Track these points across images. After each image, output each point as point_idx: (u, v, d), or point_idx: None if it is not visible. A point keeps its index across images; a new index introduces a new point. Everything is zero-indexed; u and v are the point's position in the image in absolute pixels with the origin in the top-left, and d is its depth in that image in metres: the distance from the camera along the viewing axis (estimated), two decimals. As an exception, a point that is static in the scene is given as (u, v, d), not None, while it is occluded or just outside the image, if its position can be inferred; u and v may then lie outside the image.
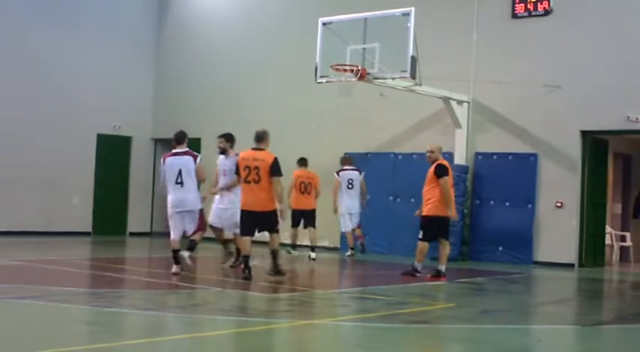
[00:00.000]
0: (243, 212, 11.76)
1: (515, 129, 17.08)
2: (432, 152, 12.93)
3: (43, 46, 20.49)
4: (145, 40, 22.98)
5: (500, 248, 16.85)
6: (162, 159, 12.32)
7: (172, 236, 12.07)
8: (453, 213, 12.73)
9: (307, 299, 10.20)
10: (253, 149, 11.91)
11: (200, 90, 21.97)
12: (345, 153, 17.60)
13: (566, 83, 16.39)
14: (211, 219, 12.99)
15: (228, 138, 13.30)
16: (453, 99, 16.91)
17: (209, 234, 12.95)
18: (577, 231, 16.43)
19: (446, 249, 12.91)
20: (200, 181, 12.11)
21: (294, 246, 16.86)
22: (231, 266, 13.06)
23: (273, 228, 11.78)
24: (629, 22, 16.10)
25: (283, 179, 11.97)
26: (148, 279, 12.26)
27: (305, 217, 16.36)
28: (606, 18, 16.30)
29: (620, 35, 16.10)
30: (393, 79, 15.09)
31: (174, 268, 11.93)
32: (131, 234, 22.26)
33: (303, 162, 16.68)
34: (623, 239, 18.78)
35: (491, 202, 17.06)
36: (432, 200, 12.63)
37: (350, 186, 16.65)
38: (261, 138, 11.97)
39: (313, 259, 15.75)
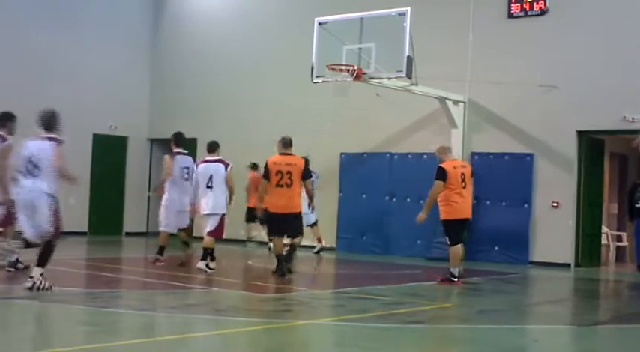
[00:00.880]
0: (273, 214, 12.27)
1: (512, 129, 17.09)
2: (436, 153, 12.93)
3: (40, 46, 20.42)
4: (141, 40, 22.95)
5: (497, 248, 16.86)
6: (195, 165, 13.35)
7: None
8: (421, 215, 12.28)
9: (303, 299, 10.20)
10: (282, 154, 12.41)
11: (196, 90, 21.95)
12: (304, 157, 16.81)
13: (563, 83, 16.40)
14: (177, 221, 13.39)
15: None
16: (449, 99, 16.91)
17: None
18: (573, 231, 16.44)
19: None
20: (229, 188, 12.91)
21: (249, 240, 17.84)
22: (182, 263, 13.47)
23: (298, 229, 12.57)
24: (625, 22, 16.12)
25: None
26: (144, 279, 12.25)
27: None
28: (602, 18, 16.32)
29: (616, 35, 16.12)
30: (389, 78, 15.09)
31: (200, 263, 12.72)
32: (127, 233, 22.23)
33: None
34: (619, 239, 18.81)
35: (488, 202, 17.05)
36: (439, 204, 12.44)
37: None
38: (289, 143, 12.65)
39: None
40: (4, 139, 10.51)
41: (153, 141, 22.84)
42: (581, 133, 16.55)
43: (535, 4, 16.81)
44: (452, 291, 11.71)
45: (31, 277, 9.36)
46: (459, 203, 12.30)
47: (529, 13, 16.92)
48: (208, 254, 12.72)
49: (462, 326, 8.57)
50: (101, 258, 15.67)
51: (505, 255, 16.74)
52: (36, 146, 9.51)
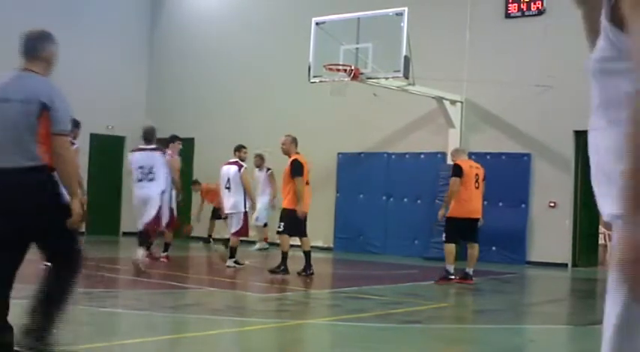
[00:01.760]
0: (299, 214, 12.45)
1: (509, 129, 17.10)
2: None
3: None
4: (138, 40, 22.94)
5: (494, 248, 16.85)
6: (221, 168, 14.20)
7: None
8: (441, 213, 12.43)
9: (301, 299, 10.20)
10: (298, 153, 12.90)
11: (194, 90, 21.93)
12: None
13: (560, 83, 16.40)
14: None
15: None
16: (446, 99, 16.92)
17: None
18: (570, 231, 16.45)
19: (474, 251, 12.48)
20: (245, 186, 13.57)
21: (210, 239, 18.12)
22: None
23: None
24: (622, 22, 16.11)
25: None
26: (141, 279, 12.23)
27: None
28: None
29: (613, 35, 16.11)
30: (386, 78, 15.10)
31: (229, 262, 13.38)
32: (124, 233, 22.20)
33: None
34: (616, 238, 18.80)
35: (485, 202, 16.96)
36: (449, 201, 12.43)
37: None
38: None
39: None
40: (73, 143, 10.78)
41: (150, 141, 22.81)
42: (578, 133, 16.55)
43: (532, 4, 16.82)
44: (449, 291, 11.71)
45: None
46: (468, 202, 12.31)
47: (526, 13, 16.92)
48: (234, 252, 13.32)
49: (460, 325, 8.57)
50: (98, 258, 15.64)
51: (502, 255, 16.74)
52: (144, 155, 12.61)
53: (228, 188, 13.62)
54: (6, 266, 5.29)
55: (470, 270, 12.45)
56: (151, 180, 12.46)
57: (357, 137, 18.74)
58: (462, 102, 17.36)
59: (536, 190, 16.71)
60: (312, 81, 15.47)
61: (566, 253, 16.39)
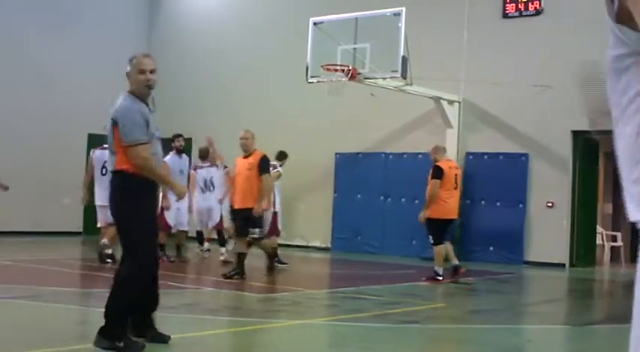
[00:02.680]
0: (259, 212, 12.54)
1: (506, 129, 17.11)
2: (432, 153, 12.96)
3: (35, 46, 20.40)
4: (136, 40, 22.90)
5: (491, 248, 16.88)
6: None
7: None
8: (422, 215, 12.44)
9: (299, 299, 10.20)
10: None
11: (192, 90, 21.93)
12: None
13: (557, 83, 16.42)
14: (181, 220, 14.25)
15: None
16: (444, 99, 16.92)
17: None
18: (568, 231, 16.46)
19: (449, 246, 12.72)
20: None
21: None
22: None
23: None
24: (619, 22, 16.12)
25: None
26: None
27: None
28: (597, 18, 16.27)
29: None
30: (384, 78, 15.10)
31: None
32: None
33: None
34: (614, 239, 18.84)
35: (482, 202, 17.08)
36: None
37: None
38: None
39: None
40: (225, 166, 14.56)
41: (148, 141, 22.78)
42: (576, 133, 16.57)
43: (530, 4, 16.83)
44: (447, 291, 11.72)
45: None
46: (448, 203, 12.42)
47: (524, 13, 16.94)
48: (276, 252, 13.22)
49: (457, 325, 8.58)
50: (96, 258, 15.61)
51: (500, 255, 16.76)
52: (206, 171, 14.52)
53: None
54: None
55: (455, 261, 12.55)
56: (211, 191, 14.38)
57: (354, 137, 18.75)
58: (459, 103, 17.37)
59: (534, 190, 16.72)
60: (309, 81, 15.47)
61: (563, 253, 16.40)
